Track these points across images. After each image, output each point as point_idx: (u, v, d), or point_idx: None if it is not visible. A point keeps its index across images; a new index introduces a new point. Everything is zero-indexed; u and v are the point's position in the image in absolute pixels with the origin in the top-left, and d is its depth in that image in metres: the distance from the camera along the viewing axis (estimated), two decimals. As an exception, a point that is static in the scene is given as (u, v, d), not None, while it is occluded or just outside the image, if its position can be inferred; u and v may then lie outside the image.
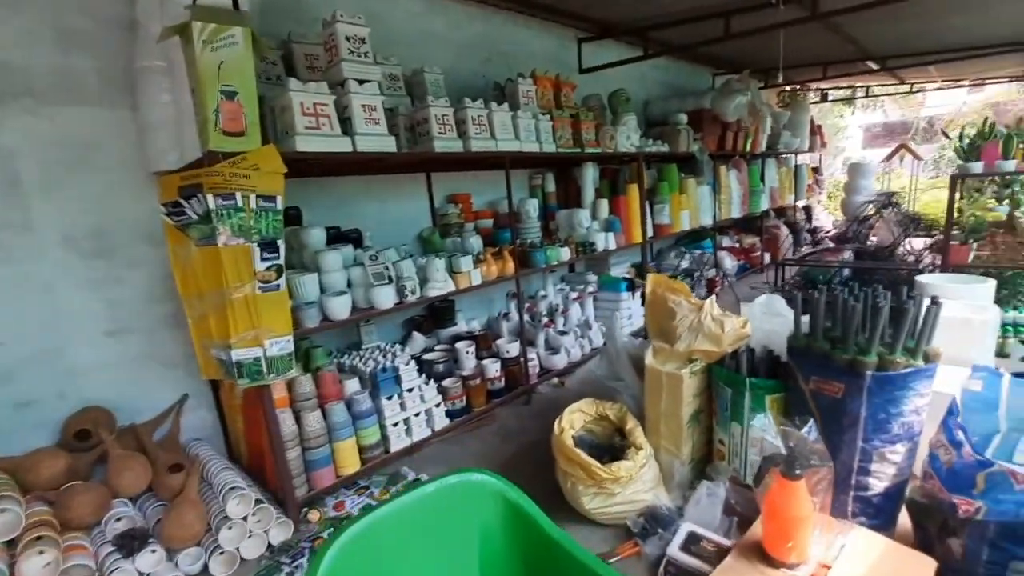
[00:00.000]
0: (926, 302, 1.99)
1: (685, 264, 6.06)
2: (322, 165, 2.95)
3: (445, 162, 3.58)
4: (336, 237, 3.04)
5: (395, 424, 2.88)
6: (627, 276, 4.75)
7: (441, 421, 3.12)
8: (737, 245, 6.95)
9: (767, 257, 7.26)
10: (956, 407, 1.90)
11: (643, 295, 3.40)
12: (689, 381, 2.37)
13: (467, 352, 3.40)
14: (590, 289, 4.48)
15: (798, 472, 1.63)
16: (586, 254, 4.12)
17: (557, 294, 4.63)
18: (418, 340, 3.56)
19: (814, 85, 9.31)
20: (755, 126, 6.55)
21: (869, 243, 6.09)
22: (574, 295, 4.37)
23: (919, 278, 3.44)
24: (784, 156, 7.87)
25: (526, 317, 4.18)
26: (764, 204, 6.94)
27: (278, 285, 2.22)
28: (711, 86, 6.98)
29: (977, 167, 3.43)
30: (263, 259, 2.15)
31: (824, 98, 9.52)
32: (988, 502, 1.72)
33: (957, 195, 3.93)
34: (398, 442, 2.90)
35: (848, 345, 1.95)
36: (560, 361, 3.90)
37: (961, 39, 5.66)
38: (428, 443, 3.08)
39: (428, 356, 3.36)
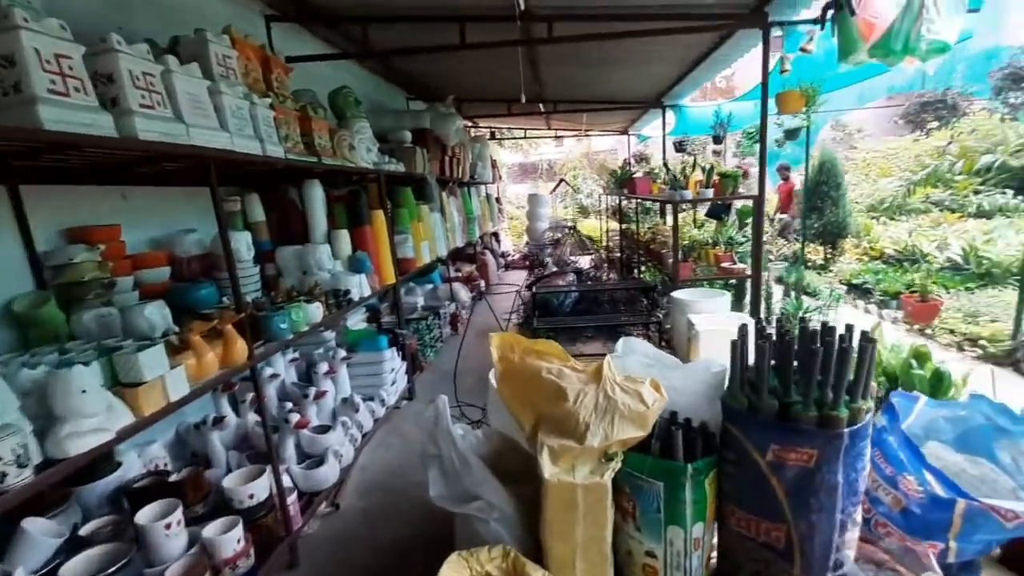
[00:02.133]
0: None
1: (420, 301, 5.33)
2: None
3: (58, 164, 1.82)
4: None
5: None
6: (388, 328, 3.66)
7: None
8: (459, 274, 6.66)
9: (483, 284, 7.25)
10: (885, 439, 1.73)
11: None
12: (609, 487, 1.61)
13: (164, 529, 1.74)
14: (341, 355, 3.21)
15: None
16: (340, 307, 2.88)
17: (290, 369, 3.17)
18: (36, 535, 1.65)
19: (482, 123, 10.12)
20: (463, 153, 6.41)
21: (564, 262, 6.75)
22: (324, 368, 3.02)
23: (675, 294, 3.65)
24: (480, 185, 8.11)
25: (253, 419, 2.63)
26: (477, 232, 6.88)
27: None
28: (406, 109, 6.50)
29: (686, 194, 3.94)
30: None
31: (493, 136, 10.45)
32: (962, 543, 1.54)
33: (623, 220, 4.49)
34: None
35: (809, 399, 1.55)
36: (329, 475, 2.54)
37: (614, 91, 6.82)
38: None
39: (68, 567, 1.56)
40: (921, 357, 2.71)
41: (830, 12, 2.47)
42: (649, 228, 5.46)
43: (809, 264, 7.01)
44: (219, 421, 2.52)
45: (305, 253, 3.00)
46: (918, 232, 7.20)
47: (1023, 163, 8.30)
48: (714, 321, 3.24)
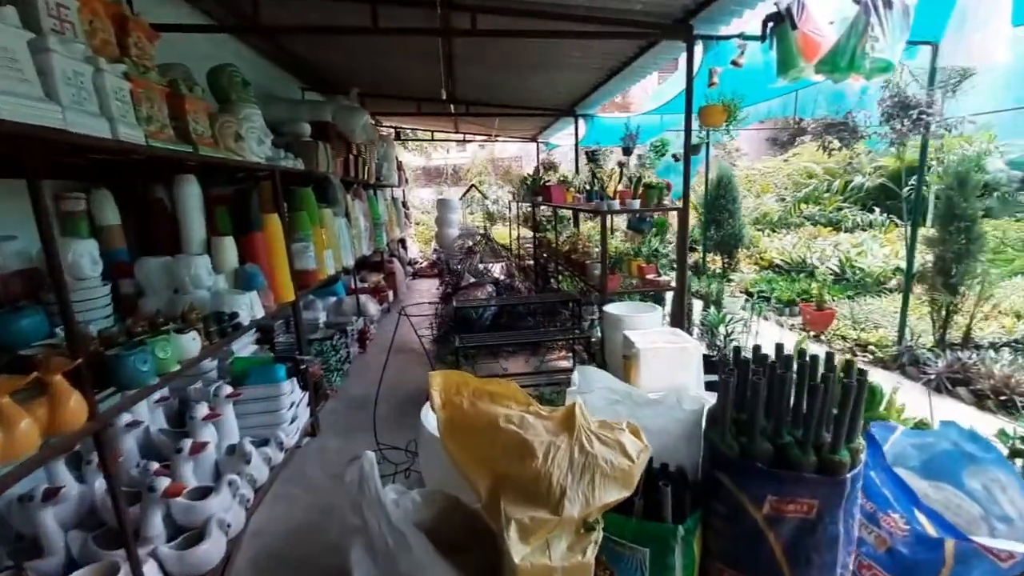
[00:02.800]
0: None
1: (323, 317, 4.72)
2: None
3: None
4: None
5: None
6: (285, 355, 3.07)
7: None
8: (365, 285, 6.08)
9: (391, 295, 6.71)
10: (867, 474, 1.62)
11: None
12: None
13: None
14: (226, 391, 2.60)
15: None
16: (224, 335, 2.31)
17: (157, 412, 2.52)
18: None
19: (386, 121, 9.51)
20: (370, 153, 5.87)
21: (480, 272, 6.45)
22: (202, 411, 2.41)
23: (608, 308, 3.49)
24: (386, 188, 7.55)
25: (103, 485, 2.01)
26: (385, 238, 6.34)
27: None
28: (302, 100, 5.81)
29: (615, 204, 3.83)
30: None
31: (398, 136, 9.87)
32: (953, 587, 1.45)
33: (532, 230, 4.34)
34: None
35: (808, 443, 1.38)
36: (212, 553, 1.98)
37: (529, 96, 6.64)
38: None
39: None
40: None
41: (770, 25, 2.44)
42: (568, 237, 5.34)
43: (709, 273, 7.38)
44: (53, 494, 1.87)
45: (177, 266, 2.38)
46: (800, 244, 7.88)
47: (876, 184, 9.49)
48: (652, 338, 3.11)
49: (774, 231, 9.64)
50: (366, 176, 5.74)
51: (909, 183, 7.29)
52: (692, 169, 8.69)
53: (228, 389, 2.60)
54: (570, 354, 4.71)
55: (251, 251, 2.86)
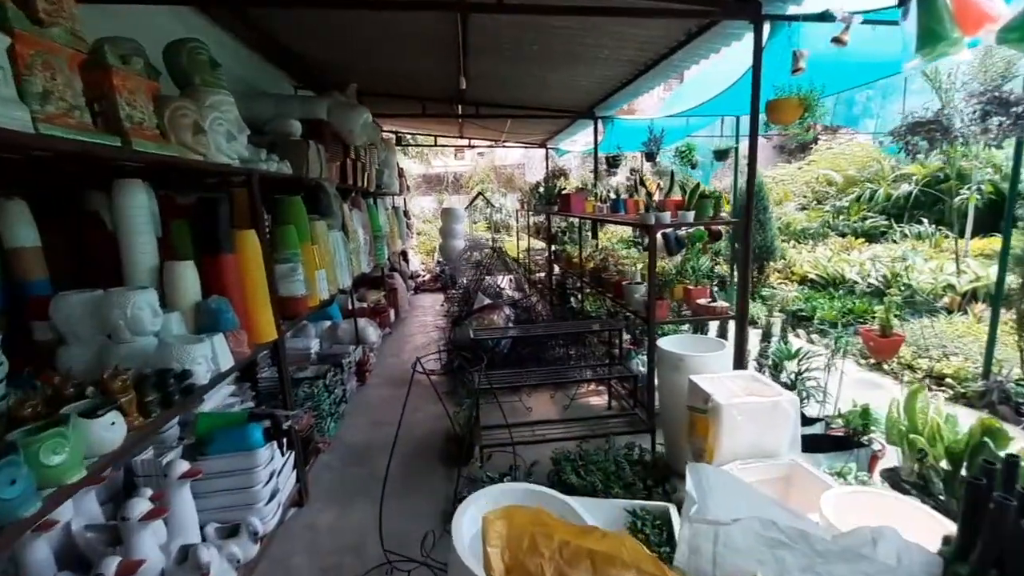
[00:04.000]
0: None
1: (315, 347, 4.06)
2: None
3: None
4: None
5: None
6: (263, 411, 2.40)
7: None
8: (364, 305, 5.42)
9: (392, 315, 6.06)
10: None
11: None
12: None
13: None
14: (180, 468, 1.93)
15: None
16: (169, 405, 1.65)
17: (85, 499, 1.85)
18: None
19: (386, 124, 8.90)
20: (370, 157, 5.24)
21: (495, 291, 5.78)
22: (141, 507, 1.74)
23: (663, 344, 2.84)
24: (386, 196, 6.93)
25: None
26: (386, 253, 5.69)
27: None
28: (293, 96, 5.17)
29: (664, 217, 3.19)
30: None
31: (399, 141, 9.26)
32: None
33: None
34: None
35: None
36: None
37: (545, 95, 6.02)
38: None
39: None
40: (994, 434, 2.12)
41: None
42: (595, 253, 4.71)
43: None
44: None
45: (108, 304, 1.73)
46: (836, 257, 7.27)
47: (905, 193, 8.92)
48: (728, 387, 2.46)
49: (798, 242, 9.05)
50: (365, 183, 5.10)
51: (960, 191, 6.74)
52: (706, 175, 8.12)
53: (182, 466, 1.93)
54: (602, 387, 4.05)
55: (219, 279, 2.21)
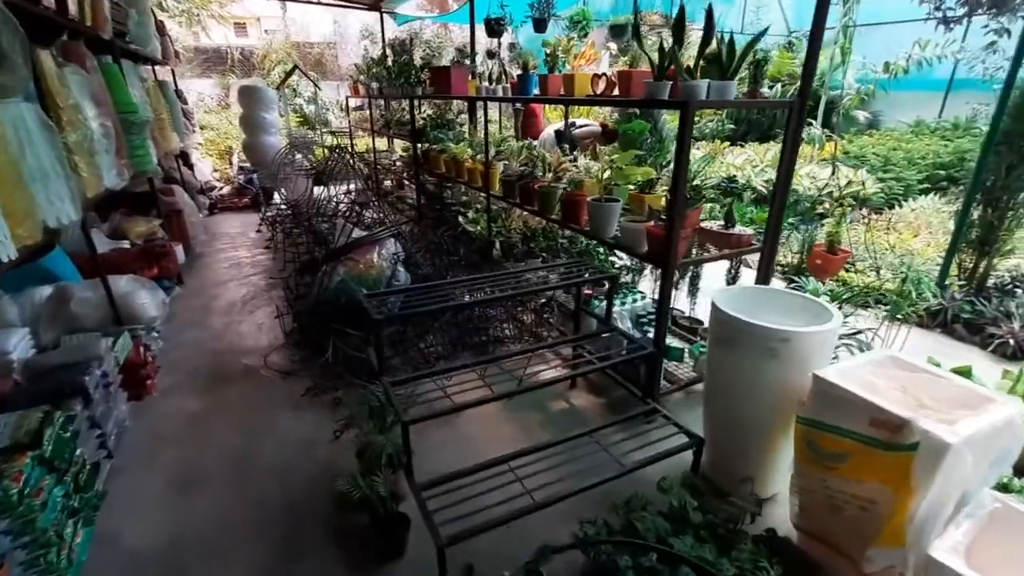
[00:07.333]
0: None
1: (17, 351, 2.00)
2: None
3: None
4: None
5: None
6: None
7: None
8: (123, 245, 3.21)
9: (181, 254, 3.86)
10: None
11: None
12: None
13: None
14: None
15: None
16: None
17: None
18: None
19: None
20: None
21: (360, 216, 3.80)
22: None
23: (721, 304, 1.63)
24: (142, 63, 4.28)
25: None
26: (152, 153, 3.36)
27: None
28: None
29: (700, 88, 1.85)
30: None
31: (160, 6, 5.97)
32: None
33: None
34: None
35: None
36: None
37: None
38: None
39: None
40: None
41: None
42: (518, 151, 3.23)
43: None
44: None
45: None
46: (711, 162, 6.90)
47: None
48: (875, 385, 1.44)
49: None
50: (92, 21, 2.70)
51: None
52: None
53: None
54: (560, 361, 2.78)
55: None
